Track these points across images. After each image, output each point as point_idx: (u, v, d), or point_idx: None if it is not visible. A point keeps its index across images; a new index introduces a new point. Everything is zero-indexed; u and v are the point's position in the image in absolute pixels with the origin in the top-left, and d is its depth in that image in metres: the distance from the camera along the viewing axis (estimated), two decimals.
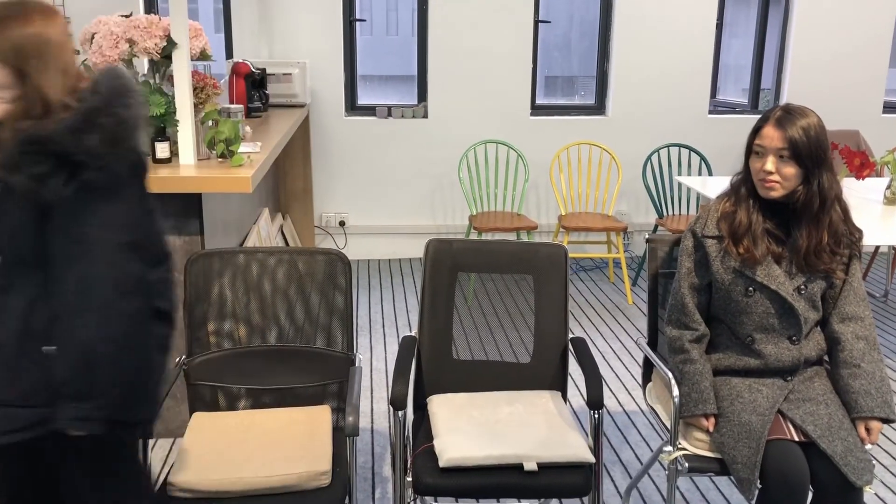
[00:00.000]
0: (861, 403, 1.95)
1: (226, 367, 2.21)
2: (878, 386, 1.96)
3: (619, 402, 3.30)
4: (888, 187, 3.60)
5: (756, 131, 2.01)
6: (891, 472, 2.78)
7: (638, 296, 4.67)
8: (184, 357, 2.20)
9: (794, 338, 2.02)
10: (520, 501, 2.57)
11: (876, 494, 2.64)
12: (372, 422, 3.09)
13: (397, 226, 5.31)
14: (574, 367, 2.29)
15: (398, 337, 3.91)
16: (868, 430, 1.95)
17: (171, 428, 2.91)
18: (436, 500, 2.57)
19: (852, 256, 2.04)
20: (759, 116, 2.04)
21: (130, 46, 2.66)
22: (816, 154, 1.94)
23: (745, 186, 2.05)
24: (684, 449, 2.03)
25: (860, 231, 2.05)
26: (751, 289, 2.00)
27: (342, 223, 5.29)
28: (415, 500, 2.54)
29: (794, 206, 1.98)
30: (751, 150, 2.02)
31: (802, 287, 1.99)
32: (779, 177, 1.96)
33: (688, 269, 2.09)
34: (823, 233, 1.98)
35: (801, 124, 1.94)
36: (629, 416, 3.18)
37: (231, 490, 1.82)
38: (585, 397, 2.09)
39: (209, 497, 1.82)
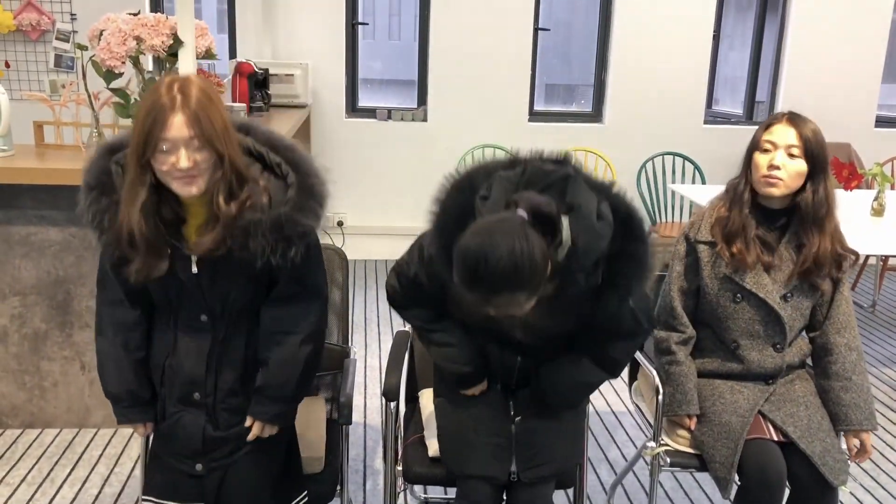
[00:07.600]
0: (851, 416, 2.01)
1: None
2: (865, 398, 2.02)
3: (608, 403, 3.36)
4: (875, 199, 3.68)
5: (767, 127, 2.02)
6: (868, 475, 2.85)
7: None
8: None
9: (778, 345, 2.06)
10: None
11: (851, 493, 2.71)
12: (365, 416, 3.15)
13: (395, 227, 5.38)
14: None
15: (393, 335, 3.97)
16: (862, 443, 2.03)
17: None
18: (425, 491, 2.63)
19: (841, 269, 2.06)
20: (754, 127, 2.08)
21: (138, 44, 2.73)
22: (823, 157, 1.99)
23: (742, 189, 2.06)
24: (667, 445, 2.09)
25: (852, 251, 2.06)
26: (739, 296, 2.04)
27: (340, 223, 5.36)
28: (405, 489, 2.60)
29: (800, 210, 2.00)
30: (756, 147, 2.03)
31: (789, 295, 2.04)
32: (785, 173, 1.96)
33: (678, 273, 2.14)
34: (827, 240, 2.00)
35: (811, 127, 2.00)
36: (617, 417, 3.24)
37: None
38: None
39: None
